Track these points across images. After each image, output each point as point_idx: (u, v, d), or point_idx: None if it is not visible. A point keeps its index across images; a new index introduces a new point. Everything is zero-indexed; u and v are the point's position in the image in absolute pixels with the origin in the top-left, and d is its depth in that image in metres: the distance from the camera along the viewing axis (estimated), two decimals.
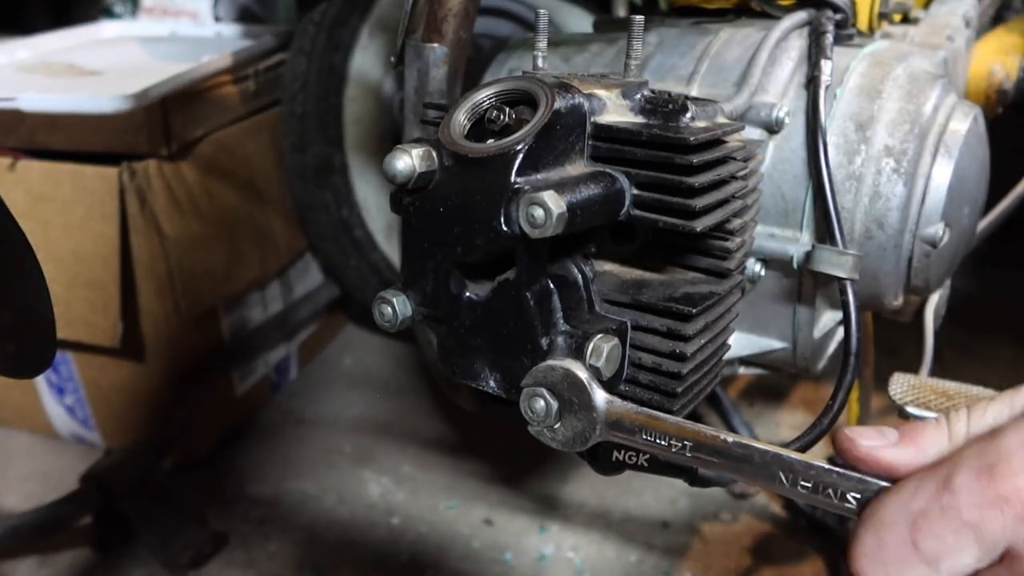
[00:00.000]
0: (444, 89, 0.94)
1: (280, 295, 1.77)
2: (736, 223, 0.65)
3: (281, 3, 2.17)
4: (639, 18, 0.65)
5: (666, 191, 0.58)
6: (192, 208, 1.50)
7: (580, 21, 1.71)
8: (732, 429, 1.52)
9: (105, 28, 2.04)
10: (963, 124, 0.90)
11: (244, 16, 2.20)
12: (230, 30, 1.98)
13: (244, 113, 1.68)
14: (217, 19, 2.17)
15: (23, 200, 1.43)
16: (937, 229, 0.88)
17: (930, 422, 0.53)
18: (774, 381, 1.79)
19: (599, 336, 0.57)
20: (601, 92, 0.62)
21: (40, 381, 1.60)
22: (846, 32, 0.97)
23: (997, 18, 1.51)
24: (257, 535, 1.42)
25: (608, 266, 0.66)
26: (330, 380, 1.86)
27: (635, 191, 0.59)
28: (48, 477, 1.55)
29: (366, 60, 1.68)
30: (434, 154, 0.59)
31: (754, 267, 0.88)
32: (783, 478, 0.51)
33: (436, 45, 0.93)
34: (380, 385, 1.83)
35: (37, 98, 1.41)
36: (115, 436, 1.58)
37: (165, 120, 1.45)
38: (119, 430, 1.57)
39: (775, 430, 1.66)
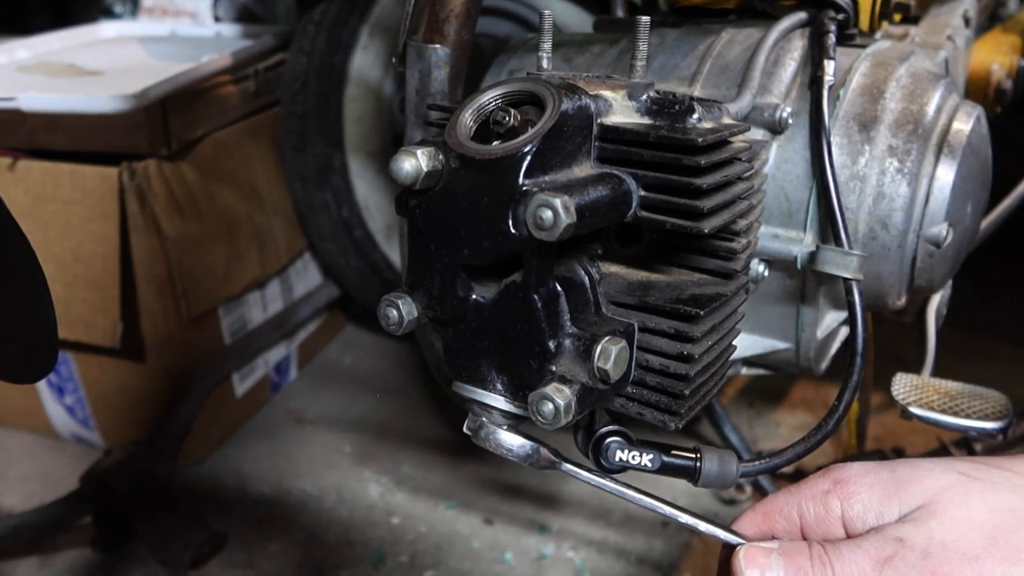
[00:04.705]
0: (446, 90, 0.94)
1: (280, 295, 1.77)
2: (742, 224, 0.65)
3: (281, 3, 2.17)
4: (645, 19, 0.65)
5: (674, 192, 0.58)
6: (192, 208, 1.50)
7: (579, 21, 1.71)
8: (723, 435, 1.53)
9: (105, 28, 2.04)
10: (966, 124, 0.90)
11: (244, 16, 2.20)
12: (230, 30, 1.98)
13: (244, 113, 1.68)
14: (217, 19, 2.17)
15: (23, 200, 1.43)
16: (941, 229, 0.88)
17: (780, 495, 0.58)
18: (774, 381, 1.79)
19: (607, 338, 0.57)
20: (607, 93, 0.62)
21: (40, 381, 1.59)
22: (848, 32, 0.97)
23: (994, 17, 1.52)
24: (257, 535, 1.42)
25: (613, 268, 0.66)
26: (330, 380, 1.86)
27: (642, 193, 0.59)
28: (48, 477, 1.55)
29: (366, 60, 1.67)
30: (440, 156, 0.58)
31: (757, 268, 0.88)
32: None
33: (438, 46, 0.92)
34: (380, 385, 1.83)
35: (37, 98, 1.41)
36: (115, 436, 1.58)
37: (165, 120, 1.45)
38: (119, 430, 1.57)
39: (775, 430, 1.66)
